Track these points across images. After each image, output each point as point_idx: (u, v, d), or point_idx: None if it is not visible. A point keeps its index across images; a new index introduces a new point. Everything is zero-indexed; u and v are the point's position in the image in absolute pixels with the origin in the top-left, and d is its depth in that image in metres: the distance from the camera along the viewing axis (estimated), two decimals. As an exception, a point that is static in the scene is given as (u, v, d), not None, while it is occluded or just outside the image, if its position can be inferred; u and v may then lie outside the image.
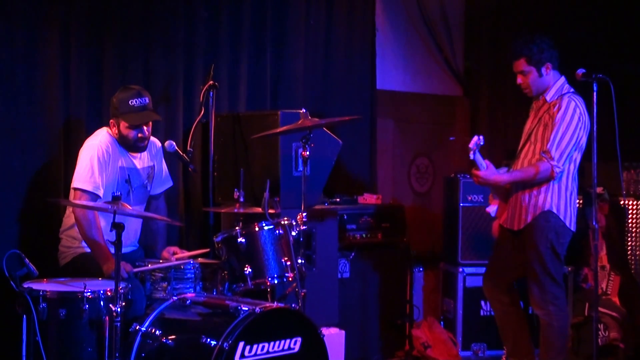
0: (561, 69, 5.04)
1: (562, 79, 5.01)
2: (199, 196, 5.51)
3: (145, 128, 4.61)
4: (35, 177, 4.81)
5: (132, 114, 4.55)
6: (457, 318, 6.10)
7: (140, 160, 4.76)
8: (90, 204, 4.41)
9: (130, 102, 4.55)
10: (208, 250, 4.84)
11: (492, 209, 5.20)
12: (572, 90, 4.97)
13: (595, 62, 6.08)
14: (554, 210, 4.91)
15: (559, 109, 4.85)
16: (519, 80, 5.01)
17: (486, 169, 4.87)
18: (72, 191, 4.54)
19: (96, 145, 4.55)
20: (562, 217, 4.92)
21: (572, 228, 4.97)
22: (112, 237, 3.94)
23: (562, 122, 4.83)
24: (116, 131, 4.62)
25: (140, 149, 4.69)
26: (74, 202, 4.47)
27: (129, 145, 4.63)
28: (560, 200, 4.92)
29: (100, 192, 4.50)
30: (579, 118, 4.85)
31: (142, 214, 4.60)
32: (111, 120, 4.64)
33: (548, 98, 4.97)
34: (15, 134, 4.76)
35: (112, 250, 4.01)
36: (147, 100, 4.61)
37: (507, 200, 5.09)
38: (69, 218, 4.64)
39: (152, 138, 4.79)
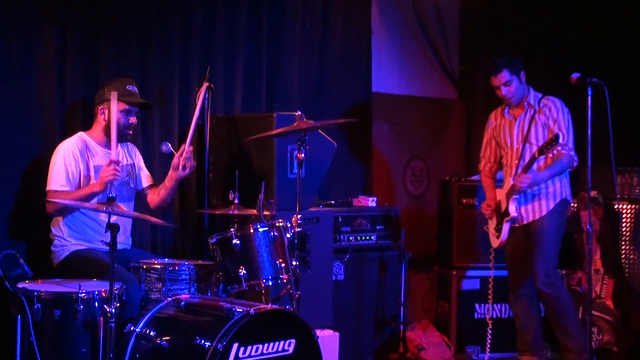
0: (556, 72, 5.09)
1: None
2: (194, 198, 5.51)
3: (134, 117, 4.78)
4: (29, 178, 4.81)
5: (130, 96, 4.75)
6: (451, 321, 6.10)
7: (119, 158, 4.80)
8: (86, 204, 4.42)
9: (127, 87, 4.78)
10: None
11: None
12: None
13: (590, 66, 6.11)
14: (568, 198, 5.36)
15: (550, 109, 5.25)
16: (504, 91, 5.34)
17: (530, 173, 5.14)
18: (48, 194, 4.60)
19: (64, 147, 4.69)
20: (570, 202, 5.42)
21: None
22: (107, 238, 3.94)
23: (564, 117, 5.22)
24: (105, 118, 4.71)
25: (126, 137, 4.83)
26: (66, 201, 4.49)
27: (117, 130, 4.67)
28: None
29: (76, 183, 4.63)
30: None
31: (135, 215, 4.59)
32: (100, 107, 4.73)
33: (532, 102, 5.31)
34: (9, 133, 4.76)
35: (107, 249, 4.00)
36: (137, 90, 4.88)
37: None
38: (57, 218, 4.68)
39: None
